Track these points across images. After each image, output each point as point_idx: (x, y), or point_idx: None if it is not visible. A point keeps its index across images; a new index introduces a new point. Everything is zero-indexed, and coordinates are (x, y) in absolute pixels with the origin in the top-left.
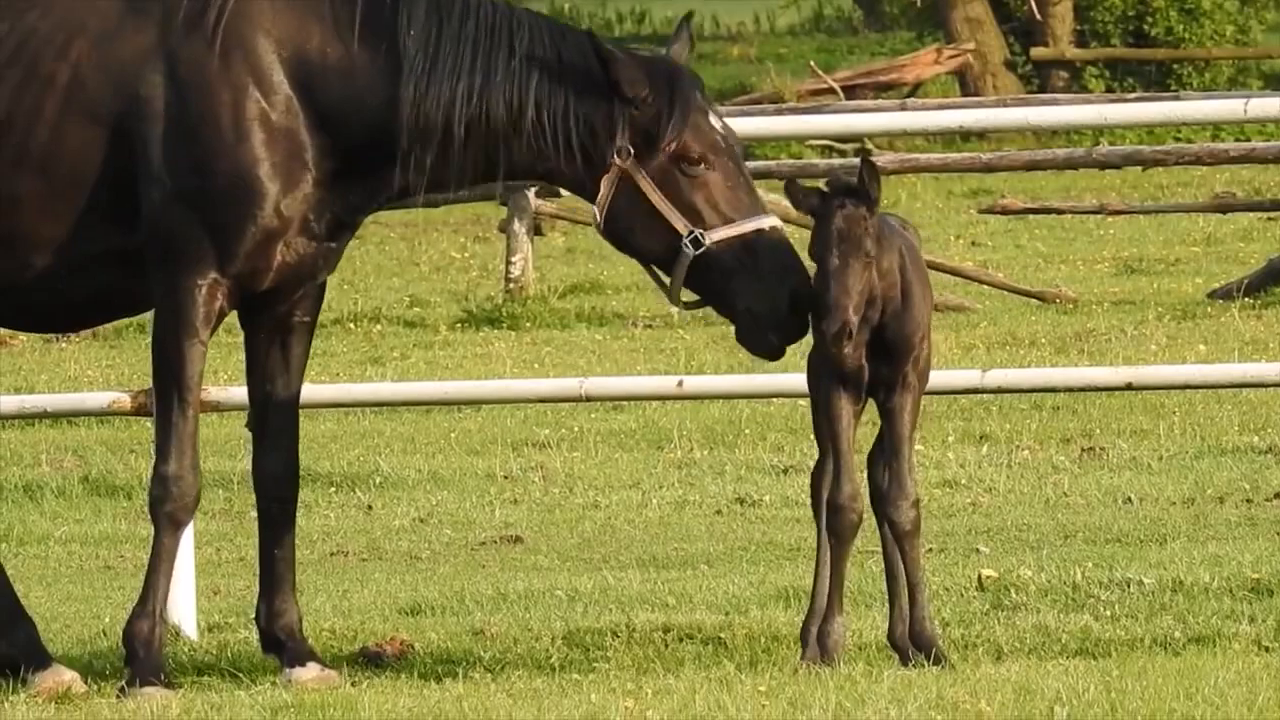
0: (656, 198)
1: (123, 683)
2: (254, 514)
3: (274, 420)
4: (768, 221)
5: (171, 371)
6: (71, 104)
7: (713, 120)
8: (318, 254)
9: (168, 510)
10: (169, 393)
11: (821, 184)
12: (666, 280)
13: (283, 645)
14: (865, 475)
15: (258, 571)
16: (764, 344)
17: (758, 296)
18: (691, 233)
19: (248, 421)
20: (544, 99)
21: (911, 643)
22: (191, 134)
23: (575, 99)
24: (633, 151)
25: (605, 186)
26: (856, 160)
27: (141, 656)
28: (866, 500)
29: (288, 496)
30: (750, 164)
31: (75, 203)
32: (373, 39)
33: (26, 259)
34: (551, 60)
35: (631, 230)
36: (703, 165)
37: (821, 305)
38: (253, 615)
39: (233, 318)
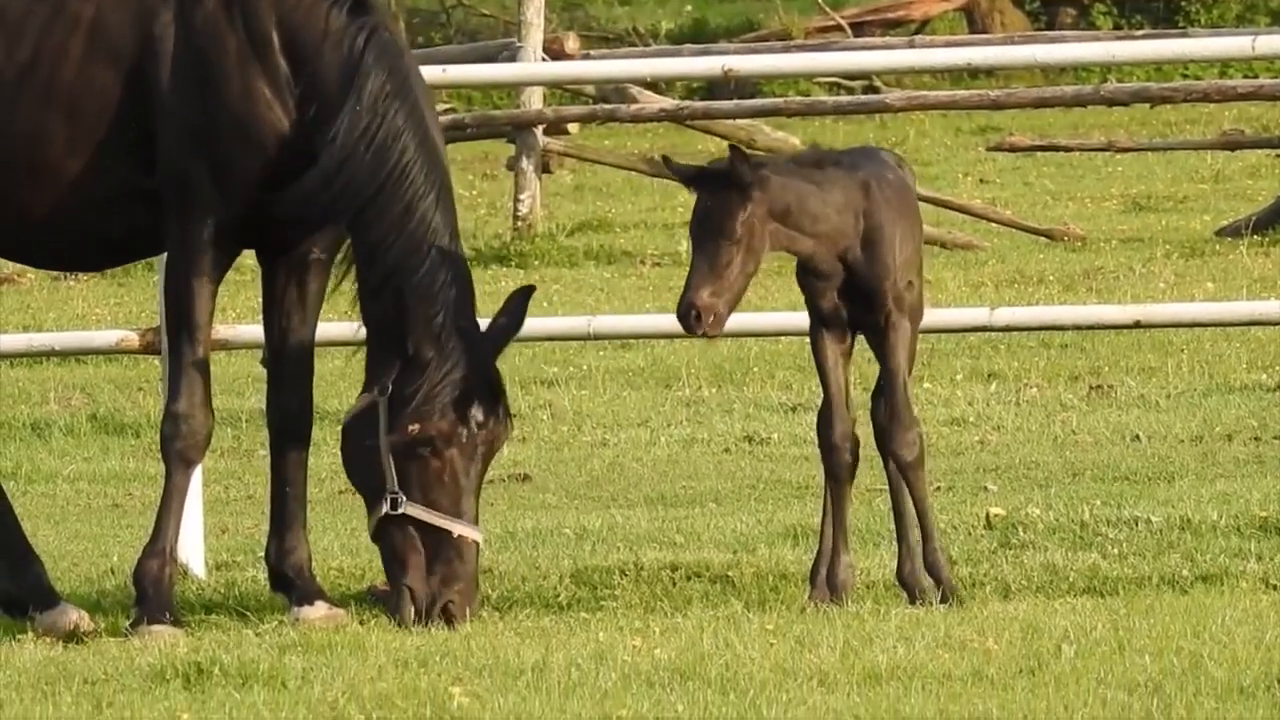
0: (384, 447)
1: (131, 621)
2: (264, 452)
3: (289, 357)
4: (464, 530)
5: (182, 310)
6: (95, 43)
7: (476, 414)
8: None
9: (178, 448)
10: (180, 331)
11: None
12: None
13: (291, 583)
14: (869, 414)
15: (268, 509)
16: (398, 619)
17: (416, 584)
18: (395, 494)
19: (262, 358)
20: (388, 277)
21: (928, 574)
22: (199, 76)
23: (394, 307)
24: (390, 391)
25: (359, 402)
26: (864, 97)
27: (151, 595)
28: (870, 439)
29: (301, 434)
30: (759, 101)
31: (101, 141)
32: (333, 60)
33: (56, 196)
34: (418, 256)
35: (356, 456)
36: (429, 451)
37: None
38: (261, 553)
39: (247, 255)
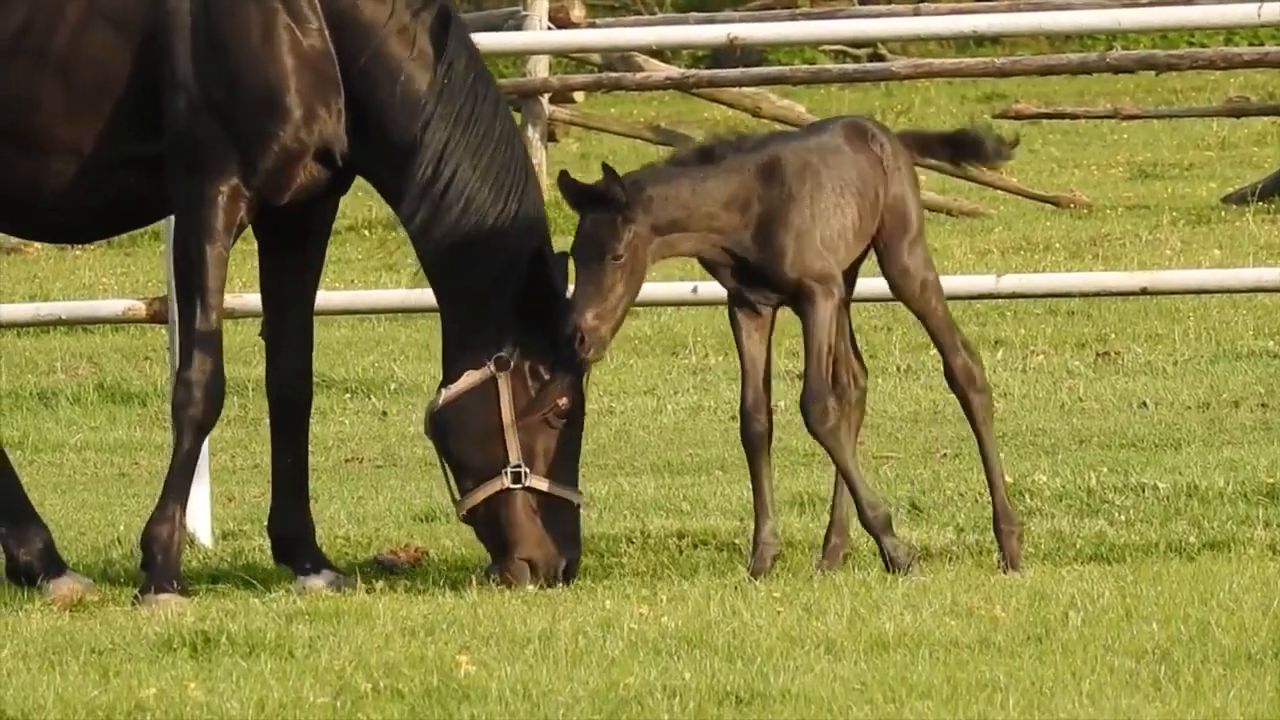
0: (508, 421)
1: (139, 589)
2: (268, 421)
3: (288, 327)
4: (579, 498)
5: (194, 277)
6: (96, 9)
7: (585, 383)
8: (336, 176)
9: (191, 415)
10: (191, 298)
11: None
12: (454, 486)
13: (295, 553)
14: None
15: (271, 477)
16: (505, 582)
17: (537, 552)
18: (519, 465)
19: (261, 330)
20: (493, 253)
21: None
22: (220, 48)
23: (504, 271)
24: (511, 365)
25: (465, 380)
26: (870, 65)
27: (159, 562)
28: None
29: (301, 403)
30: (764, 69)
31: (97, 107)
32: (403, 40)
33: (48, 163)
34: (526, 211)
35: (464, 432)
36: (567, 422)
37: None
38: (267, 521)
39: None
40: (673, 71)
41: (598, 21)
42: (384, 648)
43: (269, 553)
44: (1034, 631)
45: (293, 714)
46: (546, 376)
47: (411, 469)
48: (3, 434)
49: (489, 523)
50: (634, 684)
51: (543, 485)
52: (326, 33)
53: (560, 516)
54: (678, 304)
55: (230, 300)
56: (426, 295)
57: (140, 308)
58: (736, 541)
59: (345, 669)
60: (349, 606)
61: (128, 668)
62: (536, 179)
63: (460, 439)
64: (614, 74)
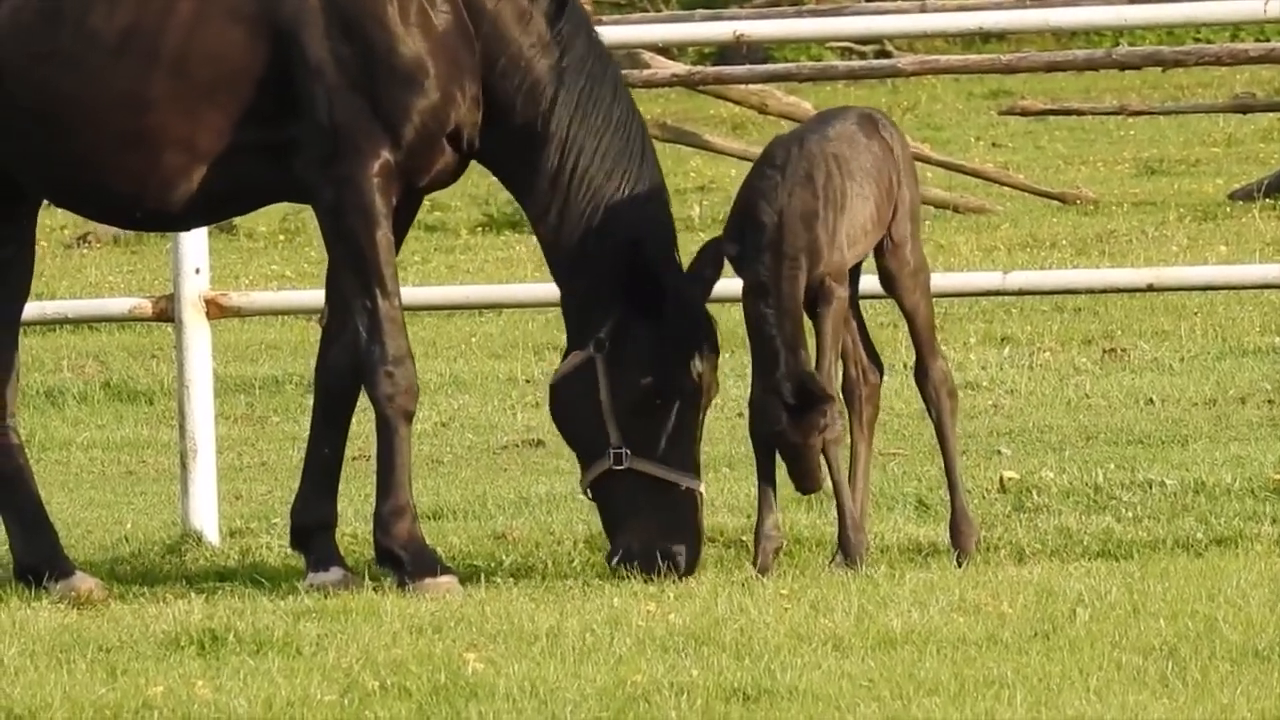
0: (606, 403)
1: (405, 586)
2: (277, 419)
3: (347, 320)
4: (692, 483)
5: (368, 266)
6: (208, 4)
7: (699, 365)
8: (462, 163)
9: (401, 405)
10: (370, 287)
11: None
12: (579, 463)
13: (312, 543)
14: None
15: (303, 463)
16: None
17: (640, 541)
18: (621, 448)
19: (320, 317)
20: (607, 236)
21: (839, 548)
22: (353, 28)
23: (615, 254)
24: (608, 347)
25: (570, 360)
26: (876, 62)
27: (415, 554)
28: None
29: (349, 397)
30: (771, 67)
31: (213, 101)
32: (520, 20)
33: (159, 157)
34: (640, 196)
35: (570, 412)
36: (660, 404)
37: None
38: (275, 520)
39: (261, 222)
40: (679, 69)
41: (604, 19)
42: (391, 645)
43: (276, 550)
44: (1041, 628)
45: (300, 712)
46: (644, 359)
47: (418, 467)
48: None
49: (600, 504)
50: (641, 681)
51: (646, 468)
52: (455, 14)
53: (670, 503)
54: None
55: (236, 298)
56: (429, 293)
57: (146, 306)
58: (744, 539)
59: (353, 667)
60: (356, 604)
61: (135, 666)
62: (655, 159)
63: (569, 418)
64: (620, 71)
